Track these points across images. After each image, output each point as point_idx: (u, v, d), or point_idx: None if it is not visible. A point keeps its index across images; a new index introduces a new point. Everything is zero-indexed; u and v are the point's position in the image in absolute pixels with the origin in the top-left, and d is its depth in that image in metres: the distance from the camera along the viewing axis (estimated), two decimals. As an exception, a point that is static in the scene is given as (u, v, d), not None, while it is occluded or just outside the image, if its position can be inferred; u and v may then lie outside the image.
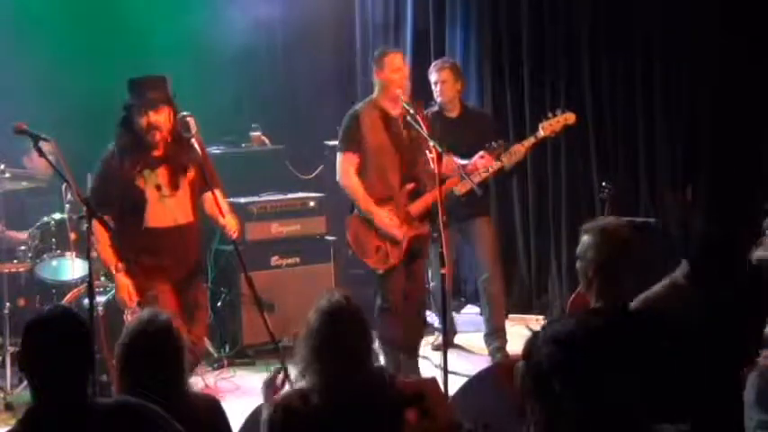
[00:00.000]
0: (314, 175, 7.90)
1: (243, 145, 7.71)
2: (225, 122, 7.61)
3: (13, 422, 5.47)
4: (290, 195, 7.39)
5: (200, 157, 5.21)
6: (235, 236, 5.34)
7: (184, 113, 5.18)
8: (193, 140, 5.17)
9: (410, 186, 5.90)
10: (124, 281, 5.17)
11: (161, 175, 5.24)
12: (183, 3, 7.64)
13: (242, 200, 6.98)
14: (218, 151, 7.20)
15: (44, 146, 4.69)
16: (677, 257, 4.18)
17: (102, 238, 5.14)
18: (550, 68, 7.79)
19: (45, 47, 7.07)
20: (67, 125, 6.41)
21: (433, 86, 6.72)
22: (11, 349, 5.90)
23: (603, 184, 6.67)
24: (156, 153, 5.23)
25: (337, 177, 5.95)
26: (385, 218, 5.82)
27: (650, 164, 7.39)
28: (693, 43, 7.07)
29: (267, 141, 7.84)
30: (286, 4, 8.33)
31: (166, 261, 5.27)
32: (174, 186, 5.26)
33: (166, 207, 5.25)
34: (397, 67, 5.86)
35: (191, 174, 5.31)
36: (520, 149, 6.39)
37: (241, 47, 7.91)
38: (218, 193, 5.32)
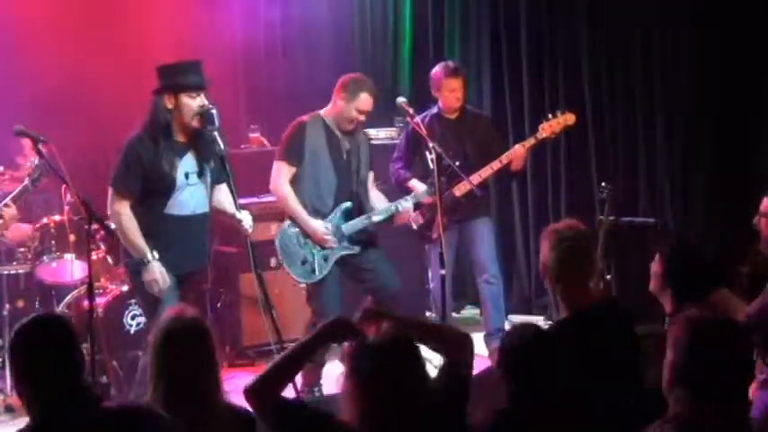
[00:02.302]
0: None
1: (242, 146, 7.70)
2: (224, 123, 7.58)
3: (13, 423, 5.53)
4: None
5: (222, 149, 5.13)
6: (250, 231, 5.26)
7: (209, 106, 5.12)
8: (216, 133, 5.11)
9: None
10: (160, 268, 5.06)
11: (189, 161, 5.17)
12: (183, 2, 7.63)
13: (241, 201, 6.90)
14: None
15: (42, 147, 4.69)
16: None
17: (131, 226, 5.05)
18: (550, 69, 7.79)
19: (45, 47, 7.06)
20: (68, 125, 6.42)
21: (442, 93, 6.64)
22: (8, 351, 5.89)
23: (603, 184, 6.67)
24: (182, 140, 5.16)
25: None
26: None
27: (650, 164, 7.39)
28: (693, 43, 7.07)
29: (266, 143, 7.83)
30: (286, 4, 8.33)
31: (176, 250, 5.17)
32: (199, 175, 5.20)
33: (188, 196, 5.17)
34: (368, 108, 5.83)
35: (214, 162, 5.25)
36: (520, 150, 6.39)
37: (241, 47, 7.91)
38: (232, 186, 5.22)
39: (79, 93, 7.02)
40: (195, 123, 5.10)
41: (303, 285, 5.95)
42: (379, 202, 5.96)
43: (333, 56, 8.53)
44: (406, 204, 5.93)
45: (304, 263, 5.83)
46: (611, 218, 6.58)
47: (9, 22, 7.00)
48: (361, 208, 5.91)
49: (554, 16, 7.74)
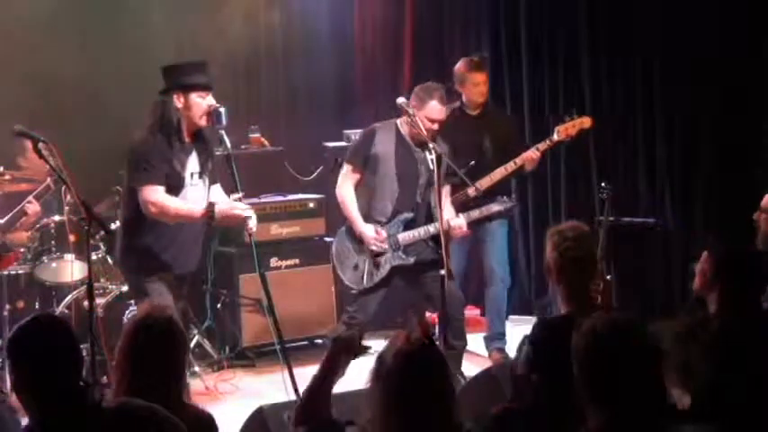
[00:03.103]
0: (313, 176, 7.89)
1: (242, 146, 7.71)
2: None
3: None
4: (290, 197, 7.39)
5: (229, 148, 5.13)
6: (254, 230, 5.22)
7: (217, 105, 5.11)
8: (222, 132, 5.11)
9: None
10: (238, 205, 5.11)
11: (193, 162, 5.17)
12: (183, 5, 7.64)
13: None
14: (216, 152, 7.18)
15: (43, 148, 4.69)
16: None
17: (175, 201, 5.02)
18: (550, 69, 7.79)
19: (45, 46, 7.06)
20: (66, 124, 6.42)
21: (467, 86, 6.63)
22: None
23: (603, 184, 6.67)
24: (188, 140, 5.15)
25: None
26: None
27: (650, 164, 7.39)
28: (694, 43, 7.07)
29: (266, 143, 7.83)
30: (286, 4, 8.33)
31: (173, 250, 5.18)
32: (200, 175, 5.20)
33: (189, 195, 5.17)
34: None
35: (212, 163, 5.28)
36: (534, 154, 6.38)
37: (240, 48, 7.91)
38: (237, 184, 5.20)
39: (80, 92, 7.02)
40: (203, 122, 5.11)
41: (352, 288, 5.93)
42: (448, 215, 5.84)
43: (333, 56, 8.53)
44: (459, 221, 5.85)
45: (356, 269, 5.83)
46: (611, 218, 6.57)
47: (9, 22, 7.01)
48: (426, 220, 5.86)
49: (554, 16, 7.74)
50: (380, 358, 2.78)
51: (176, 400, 3.18)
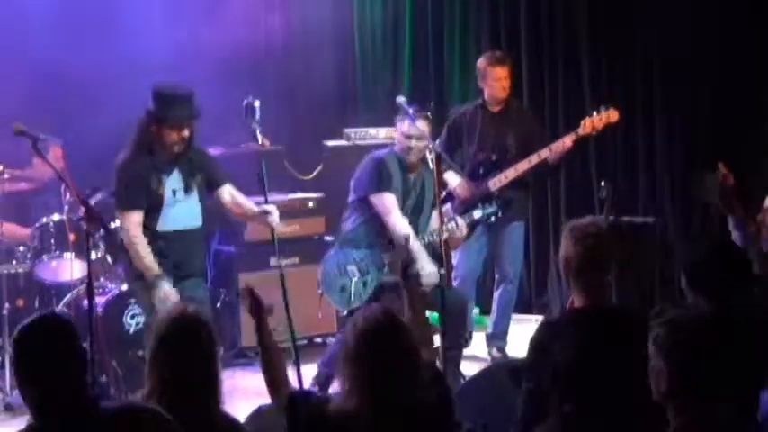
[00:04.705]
0: (313, 175, 7.89)
1: (242, 145, 7.70)
2: (224, 123, 7.59)
3: (13, 423, 5.53)
4: (290, 196, 7.38)
5: (259, 145, 5.20)
6: (277, 223, 5.32)
7: (188, 130, 5.17)
8: (256, 127, 5.22)
9: None
10: (171, 288, 5.10)
11: (175, 179, 5.25)
12: (183, 4, 7.63)
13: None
14: (216, 152, 7.19)
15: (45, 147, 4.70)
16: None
17: (143, 242, 5.11)
18: (550, 68, 7.79)
19: (44, 45, 7.06)
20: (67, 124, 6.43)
21: (488, 82, 6.60)
22: (10, 350, 5.89)
23: (603, 184, 6.66)
24: (167, 158, 5.22)
25: None
26: None
27: (650, 164, 7.39)
28: (693, 43, 7.07)
29: (266, 142, 7.82)
30: (286, 4, 8.33)
31: (171, 263, 5.24)
32: (186, 191, 5.26)
33: (179, 212, 5.25)
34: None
35: (201, 177, 5.33)
36: (565, 144, 6.35)
37: (241, 47, 7.90)
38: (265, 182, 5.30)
39: (80, 93, 7.02)
40: (176, 150, 5.18)
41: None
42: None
43: (333, 56, 8.53)
44: (455, 225, 5.80)
45: (342, 290, 5.82)
46: (611, 218, 6.57)
47: (9, 21, 7.00)
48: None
49: (554, 16, 7.74)
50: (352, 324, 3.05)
51: (208, 409, 3.13)
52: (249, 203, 5.49)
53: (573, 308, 3.79)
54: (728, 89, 6.90)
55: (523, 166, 6.38)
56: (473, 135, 6.39)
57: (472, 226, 6.09)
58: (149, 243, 5.16)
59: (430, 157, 5.67)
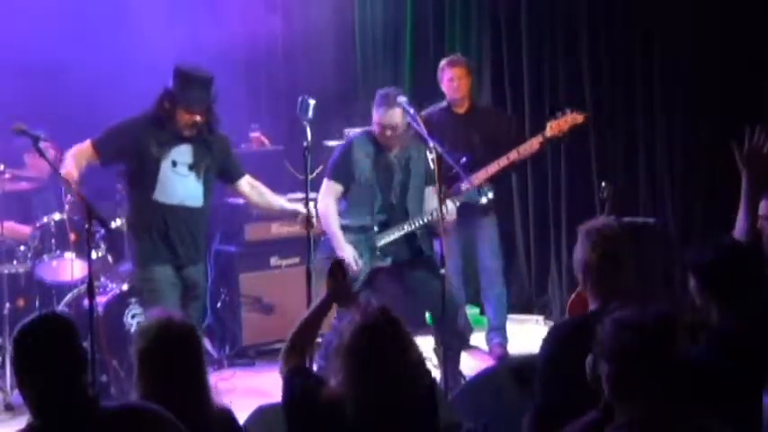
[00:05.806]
0: (313, 175, 7.88)
1: (242, 145, 7.71)
2: (224, 123, 7.59)
3: (13, 423, 5.53)
4: (290, 196, 7.37)
5: (309, 141, 5.20)
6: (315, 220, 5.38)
7: (198, 120, 5.19)
8: (306, 124, 5.19)
9: None
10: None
11: (182, 152, 5.25)
12: (184, 5, 7.63)
13: (241, 200, 6.97)
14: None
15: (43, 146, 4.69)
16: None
17: (70, 158, 5.17)
18: (550, 68, 7.79)
19: (45, 44, 7.06)
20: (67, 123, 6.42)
21: (444, 83, 6.73)
22: (11, 350, 5.88)
23: (603, 184, 6.67)
24: (180, 132, 5.24)
25: None
26: None
27: (650, 164, 7.39)
28: (693, 43, 7.07)
29: (267, 142, 7.83)
30: (287, 3, 8.33)
31: (172, 236, 5.27)
32: (191, 167, 5.26)
33: (176, 185, 5.25)
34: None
35: (214, 164, 5.35)
36: (533, 146, 6.38)
37: (241, 47, 7.90)
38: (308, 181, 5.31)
39: (80, 93, 7.02)
40: (187, 133, 5.20)
41: None
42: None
43: (333, 55, 8.54)
44: (450, 206, 5.73)
45: None
46: (612, 218, 6.57)
47: (9, 20, 7.00)
48: (401, 221, 5.81)
49: (554, 15, 7.74)
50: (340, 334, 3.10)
51: (200, 405, 3.22)
52: (275, 196, 5.60)
53: (585, 312, 3.76)
54: (729, 89, 6.90)
55: (493, 168, 6.40)
56: (442, 137, 6.39)
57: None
58: (144, 211, 5.23)
59: (431, 156, 5.67)
